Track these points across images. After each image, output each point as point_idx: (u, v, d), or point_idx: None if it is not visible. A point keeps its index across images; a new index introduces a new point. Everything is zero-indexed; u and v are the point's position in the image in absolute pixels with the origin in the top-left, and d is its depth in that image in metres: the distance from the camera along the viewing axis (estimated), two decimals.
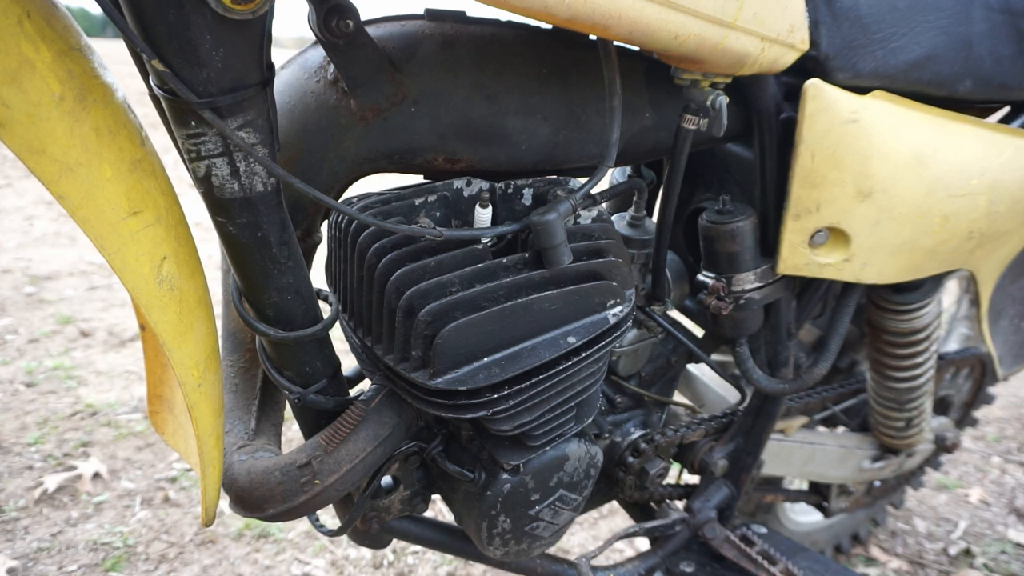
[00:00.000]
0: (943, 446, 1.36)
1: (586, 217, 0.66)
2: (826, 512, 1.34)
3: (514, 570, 0.89)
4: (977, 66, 0.80)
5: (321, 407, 0.62)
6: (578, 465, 0.73)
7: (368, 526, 0.75)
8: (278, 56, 0.48)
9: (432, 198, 0.61)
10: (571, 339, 0.60)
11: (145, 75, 0.46)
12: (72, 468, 1.69)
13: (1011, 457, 2.03)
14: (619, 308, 0.63)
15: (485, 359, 0.57)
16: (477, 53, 0.64)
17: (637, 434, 0.97)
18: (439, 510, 1.64)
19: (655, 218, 0.96)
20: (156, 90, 0.44)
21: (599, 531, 1.64)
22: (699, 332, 1.04)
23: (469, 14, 0.66)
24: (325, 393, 0.61)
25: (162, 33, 0.41)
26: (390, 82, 0.61)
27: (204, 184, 0.47)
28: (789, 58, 0.65)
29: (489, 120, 0.64)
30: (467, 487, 0.70)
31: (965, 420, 1.53)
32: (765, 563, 0.96)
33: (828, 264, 0.80)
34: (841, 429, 1.37)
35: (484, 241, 0.61)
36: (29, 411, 1.92)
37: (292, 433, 1.85)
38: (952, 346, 1.46)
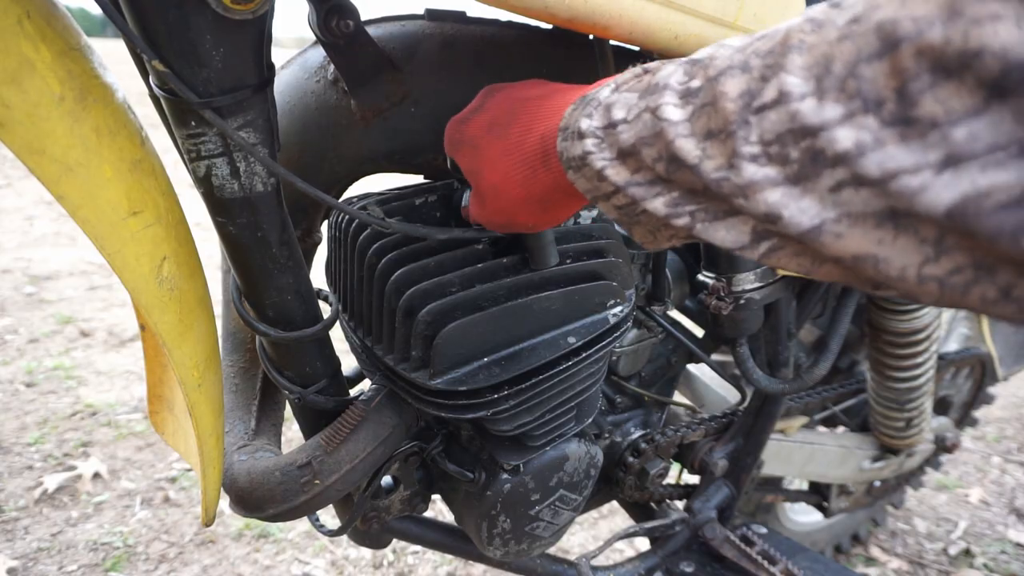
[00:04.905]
0: (943, 446, 1.36)
1: (586, 217, 0.66)
2: (826, 512, 1.34)
3: (514, 570, 0.89)
4: None
5: (321, 407, 0.62)
6: (578, 465, 0.73)
7: (368, 526, 0.75)
8: (278, 56, 0.48)
9: (432, 198, 0.61)
10: (571, 339, 0.60)
11: (145, 75, 0.46)
12: (72, 468, 1.69)
13: (1011, 457, 2.03)
14: (619, 308, 0.63)
15: (485, 359, 0.57)
16: (477, 53, 0.64)
17: (637, 434, 0.96)
18: (439, 510, 1.64)
19: None
20: (156, 90, 0.44)
21: (599, 531, 1.64)
22: (699, 332, 1.04)
23: (469, 14, 0.65)
24: (325, 393, 0.61)
25: (162, 33, 0.41)
26: (390, 82, 0.61)
27: (204, 184, 0.47)
28: None
29: None
30: (467, 487, 0.70)
31: (965, 420, 1.53)
32: (765, 563, 0.96)
33: None
34: (841, 429, 1.37)
35: (485, 240, 0.61)
36: (29, 411, 1.92)
37: (292, 433, 1.85)
38: (952, 346, 1.46)
